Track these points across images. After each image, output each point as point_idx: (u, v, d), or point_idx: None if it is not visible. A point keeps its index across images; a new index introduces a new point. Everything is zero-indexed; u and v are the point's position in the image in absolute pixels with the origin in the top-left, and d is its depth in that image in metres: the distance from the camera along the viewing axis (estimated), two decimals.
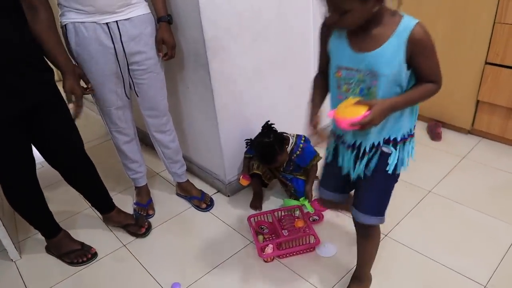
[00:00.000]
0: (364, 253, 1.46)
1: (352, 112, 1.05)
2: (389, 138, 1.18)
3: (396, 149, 1.20)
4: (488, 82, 2.27)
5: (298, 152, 1.95)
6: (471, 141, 2.47)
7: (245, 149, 2.08)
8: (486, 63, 2.25)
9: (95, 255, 1.84)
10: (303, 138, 1.99)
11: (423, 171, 2.20)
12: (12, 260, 1.86)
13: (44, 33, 1.45)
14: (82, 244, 1.87)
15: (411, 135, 1.21)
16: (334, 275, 1.61)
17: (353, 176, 1.26)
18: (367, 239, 1.40)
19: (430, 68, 1.08)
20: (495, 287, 1.50)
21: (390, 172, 1.21)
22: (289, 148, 1.95)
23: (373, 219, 1.29)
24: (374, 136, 1.17)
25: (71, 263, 1.80)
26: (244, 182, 2.02)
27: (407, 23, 1.04)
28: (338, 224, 1.89)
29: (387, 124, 1.15)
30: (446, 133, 2.56)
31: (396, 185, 2.13)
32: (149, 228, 1.96)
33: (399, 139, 1.18)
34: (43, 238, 1.89)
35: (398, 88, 1.10)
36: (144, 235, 1.93)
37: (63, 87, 1.57)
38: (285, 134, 1.98)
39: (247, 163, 2.06)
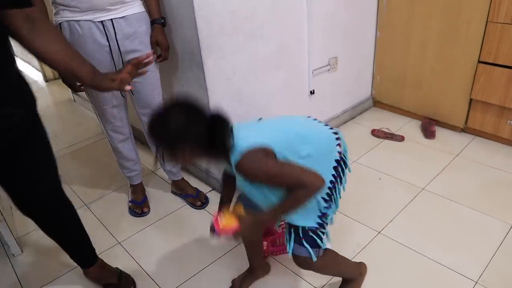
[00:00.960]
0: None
1: (228, 222, 1.13)
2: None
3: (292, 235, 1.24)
4: (481, 81, 2.29)
5: None
6: (465, 139, 2.49)
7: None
8: (479, 62, 2.27)
9: None
10: None
11: (417, 169, 2.22)
12: (13, 254, 1.87)
13: (52, 44, 1.15)
14: (120, 273, 1.67)
15: (317, 227, 1.23)
16: None
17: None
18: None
19: (281, 184, 1.09)
20: (486, 282, 1.52)
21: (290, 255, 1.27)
22: None
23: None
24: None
25: None
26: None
27: (235, 158, 1.07)
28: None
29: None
30: (439, 131, 2.58)
31: (390, 183, 2.16)
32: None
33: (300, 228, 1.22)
34: (43, 234, 1.87)
35: (273, 197, 1.14)
36: None
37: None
38: None
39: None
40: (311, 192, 1.08)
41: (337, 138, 1.27)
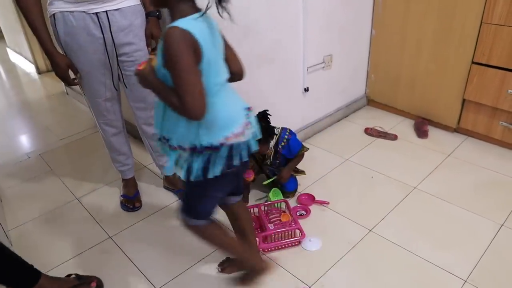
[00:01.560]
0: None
1: (142, 65, 1.18)
2: (168, 140, 1.19)
3: (174, 154, 1.20)
4: (474, 82, 2.31)
5: (283, 143, 1.95)
6: (457, 139, 2.51)
7: None
8: (473, 62, 2.28)
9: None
10: (288, 131, 1.98)
11: (409, 168, 2.23)
12: None
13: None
14: (76, 276, 1.63)
15: (205, 148, 1.15)
16: (319, 269, 1.63)
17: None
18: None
19: (174, 79, 1.05)
20: (475, 282, 1.53)
21: (168, 174, 1.24)
22: (273, 142, 1.95)
23: (181, 215, 1.33)
24: (159, 130, 1.22)
25: None
26: (251, 178, 1.97)
27: (168, 27, 1.03)
28: (324, 219, 1.91)
29: (164, 122, 1.19)
30: (432, 131, 2.59)
31: (382, 181, 2.18)
32: (100, 283, 1.63)
33: (185, 146, 1.16)
34: (33, 227, 1.84)
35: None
36: None
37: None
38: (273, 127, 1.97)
39: None
40: (180, 108, 1.07)
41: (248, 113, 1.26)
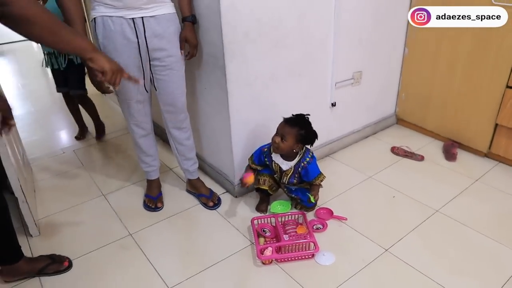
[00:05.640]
0: None
1: None
2: None
3: None
4: (508, 106, 2.24)
5: (303, 164, 1.94)
6: (487, 164, 2.43)
7: (253, 154, 2.07)
8: (507, 86, 2.22)
9: (69, 267, 1.76)
10: (311, 154, 1.97)
11: (433, 190, 2.19)
12: (32, 235, 1.96)
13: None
14: (52, 257, 1.77)
15: None
16: (330, 284, 1.63)
17: None
18: None
19: None
20: None
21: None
22: (296, 160, 1.94)
23: None
24: None
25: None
26: (249, 179, 1.95)
27: None
28: (340, 234, 1.90)
29: None
30: (461, 154, 2.53)
31: (404, 201, 2.14)
32: (70, 263, 1.78)
33: None
34: (61, 218, 1.96)
35: None
36: (67, 269, 1.75)
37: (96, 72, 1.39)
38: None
39: (251, 167, 2.08)
40: None
41: None
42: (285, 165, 1.95)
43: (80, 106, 3.01)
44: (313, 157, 1.96)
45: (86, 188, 2.36)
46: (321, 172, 1.96)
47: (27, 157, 2.63)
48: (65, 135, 3.20)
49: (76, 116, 3.04)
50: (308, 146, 1.97)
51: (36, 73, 5.31)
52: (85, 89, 2.79)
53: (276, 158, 1.96)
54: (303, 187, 2.03)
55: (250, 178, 1.96)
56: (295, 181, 1.99)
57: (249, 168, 2.09)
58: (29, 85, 4.78)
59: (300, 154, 1.95)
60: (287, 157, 1.95)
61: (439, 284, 1.60)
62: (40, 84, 4.86)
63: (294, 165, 1.95)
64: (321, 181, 1.96)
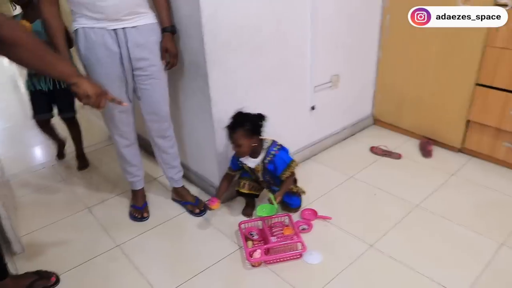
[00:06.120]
0: None
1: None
2: None
3: None
4: (478, 103, 2.35)
5: (269, 158, 1.92)
6: (461, 159, 2.54)
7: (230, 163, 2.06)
8: (477, 84, 2.33)
9: (56, 282, 1.75)
10: (278, 146, 1.94)
11: (412, 186, 2.27)
12: (16, 252, 1.93)
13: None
14: (37, 271, 1.76)
15: None
16: (319, 282, 1.67)
17: None
18: None
19: None
20: None
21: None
22: (261, 156, 1.93)
23: None
24: None
25: None
26: (214, 206, 1.94)
27: None
28: (326, 233, 1.95)
29: None
30: (437, 151, 2.63)
31: (385, 198, 2.21)
32: (58, 278, 1.76)
33: None
34: (45, 234, 1.91)
35: None
36: (55, 284, 1.74)
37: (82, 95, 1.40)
38: (263, 138, 1.96)
39: (227, 181, 2.06)
40: None
41: None
42: (252, 162, 1.96)
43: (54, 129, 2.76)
44: (281, 148, 1.94)
45: (69, 202, 2.34)
46: (291, 160, 1.93)
47: (5, 174, 2.58)
48: (43, 150, 3.15)
49: (52, 135, 2.76)
50: (277, 141, 1.96)
51: (7, 88, 5.20)
52: (76, 111, 2.62)
53: (244, 159, 1.97)
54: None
55: (215, 206, 1.94)
56: (268, 178, 2.00)
57: (222, 187, 2.07)
58: (1, 101, 4.68)
59: (264, 149, 1.94)
60: (254, 153, 1.94)
61: (423, 275, 1.67)
62: (12, 100, 4.76)
63: (262, 161, 1.94)
64: (291, 172, 1.93)
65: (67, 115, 2.59)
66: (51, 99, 2.51)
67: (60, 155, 2.90)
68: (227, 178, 2.08)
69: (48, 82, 2.43)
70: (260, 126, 1.91)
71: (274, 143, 1.97)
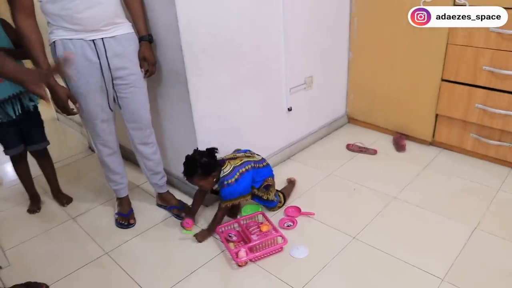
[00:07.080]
0: None
1: None
2: None
3: None
4: (444, 98, 2.49)
5: (222, 185, 1.93)
6: (433, 152, 2.67)
7: None
8: (442, 80, 2.46)
9: None
10: (234, 178, 1.92)
11: (389, 180, 2.37)
12: (1, 267, 1.91)
13: None
14: (29, 285, 1.74)
15: None
16: (306, 275, 1.73)
17: None
18: None
19: None
20: (451, 279, 1.65)
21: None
22: (220, 174, 1.94)
23: None
24: None
25: None
26: (189, 228, 1.99)
27: None
28: (310, 229, 2.02)
29: None
30: (410, 145, 2.75)
31: (364, 192, 2.30)
32: None
33: None
34: (30, 247, 1.90)
35: None
36: None
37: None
38: (223, 167, 1.94)
39: (201, 196, 2.08)
40: None
41: None
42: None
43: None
44: (237, 181, 1.92)
45: (53, 213, 2.32)
46: (240, 195, 1.95)
47: None
48: None
49: (28, 181, 2.39)
50: (239, 167, 1.95)
51: None
52: (48, 140, 2.32)
53: None
54: (257, 194, 2.08)
55: (189, 229, 2.00)
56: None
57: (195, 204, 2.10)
58: None
59: (223, 173, 1.94)
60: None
61: (404, 262, 1.76)
62: None
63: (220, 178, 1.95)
64: (225, 206, 1.95)
65: (38, 147, 2.29)
66: (20, 130, 2.17)
67: (36, 209, 2.38)
68: (200, 192, 2.08)
69: (16, 108, 2.06)
70: (213, 164, 1.90)
71: (233, 172, 1.93)
